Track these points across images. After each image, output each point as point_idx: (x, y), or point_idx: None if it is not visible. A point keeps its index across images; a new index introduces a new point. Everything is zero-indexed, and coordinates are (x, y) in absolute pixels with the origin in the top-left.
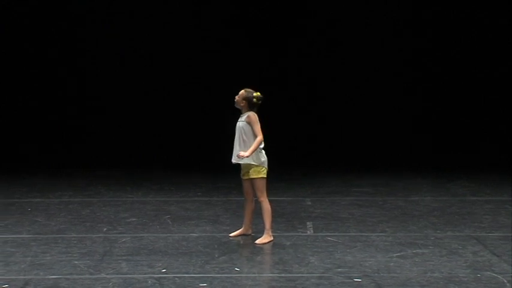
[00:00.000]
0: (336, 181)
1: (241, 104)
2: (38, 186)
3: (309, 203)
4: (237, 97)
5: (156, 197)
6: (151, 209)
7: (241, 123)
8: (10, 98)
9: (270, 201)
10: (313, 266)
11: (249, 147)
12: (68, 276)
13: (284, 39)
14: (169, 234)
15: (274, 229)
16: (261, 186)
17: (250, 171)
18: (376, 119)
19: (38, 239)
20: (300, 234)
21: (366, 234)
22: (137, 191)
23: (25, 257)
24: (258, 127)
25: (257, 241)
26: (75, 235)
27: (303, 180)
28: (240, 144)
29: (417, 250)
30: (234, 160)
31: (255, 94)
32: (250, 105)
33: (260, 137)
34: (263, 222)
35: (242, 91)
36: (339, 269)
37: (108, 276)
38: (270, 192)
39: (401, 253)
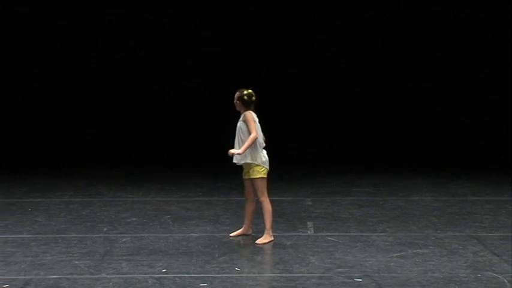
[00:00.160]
0: (337, 181)
1: (238, 105)
2: (38, 186)
3: (310, 203)
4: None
5: (156, 197)
6: (152, 209)
7: (239, 123)
8: (10, 98)
9: (270, 201)
10: (314, 266)
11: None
12: (69, 276)
13: (284, 39)
14: (169, 234)
15: (274, 229)
16: (261, 186)
17: (250, 171)
18: (376, 119)
19: (39, 239)
20: (301, 234)
21: (367, 234)
22: (138, 191)
23: (25, 257)
24: (252, 125)
25: (257, 241)
26: (75, 235)
27: (304, 180)
28: (238, 144)
29: (417, 250)
30: (234, 160)
31: (245, 92)
32: (245, 103)
33: (253, 134)
34: (263, 222)
35: (237, 92)
36: (340, 269)
37: (108, 276)
38: (270, 192)
39: (402, 253)
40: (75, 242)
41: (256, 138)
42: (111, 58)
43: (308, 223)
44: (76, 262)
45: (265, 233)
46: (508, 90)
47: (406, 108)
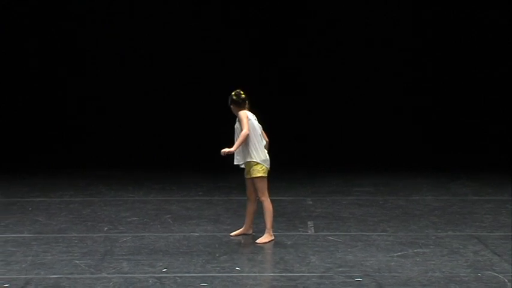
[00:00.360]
0: (337, 181)
1: (233, 109)
2: (38, 185)
3: (310, 202)
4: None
5: (157, 196)
6: (152, 208)
7: (236, 124)
8: (10, 98)
9: (271, 200)
10: (314, 266)
11: (243, 147)
12: (69, 276)
13: (284, 39)
14: (170, 234)
15: (275, 228)
16: (261, 186)
17: (251, 170)
18: (376, 118)
19: (39, 238)
20: (301, 233)
21: (367, 233)
22: (138, 190)
23: (26, 256)
24: (244, 122)
25: (258, 240)
26: (76, 234)
27: (304, 179)
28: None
29: (418, 249)
30: (235, 162)
31: (232, 93)
32: (237, 104)
33: (244, 130)
34: (264, 222)
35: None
36: (340, 269)
37: (109, 275)
38: (271, 191)
39: (402, 252)
40: (76, 241)
41: (248, 134)
42: (111, 58)
43: (308, 222)
44: (77, 261)
45: (265, 232)
46: (508, 90)
47: (406, 108)
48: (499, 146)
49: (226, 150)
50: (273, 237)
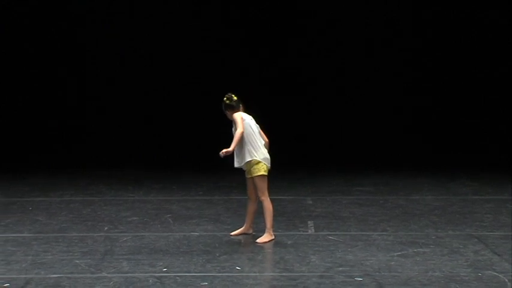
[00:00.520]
0: (337, 180)
1: (228, 114)
2: (39, 185)
3: (310, 202)
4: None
5: (157, 196)
6: (153, 208)
7: (232, 128)
8: (10, 98)
9: (271, 200)
10: (314, 265)
11: (242, 148)
12: (69, 275)
13: (284, 39)
14: (170, 233)
15: (275, 228)
16: (261, 185)
17: (252, 169)
18: (376, 118)
19: (39, 238)
20: (301, 233)
21: (367, 233)
22: (138, 190)
23: (26, 256)
24: (238, 122)
25: (258, 240)
26: (76, 234)
27: (304, 179)
28: (236, 148)
29: (418, 249)
30: (236, 165)
31: (224, 98)
32: (230, 107)
33: (239, 129)
34: (264, 221)
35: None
36: (340, 268)
37: (109, 275)
38: (271, 191)
39: (403, 252)
40: (76, 241)
41: (242, 132)
42: (111, 58)
43: (309, 222)
44: (77, 261)
45: (265, 232)
46: (508, 90)
47: (406, 108)
48: (499, 146)
49: (224, 151)
50: (273, 237)
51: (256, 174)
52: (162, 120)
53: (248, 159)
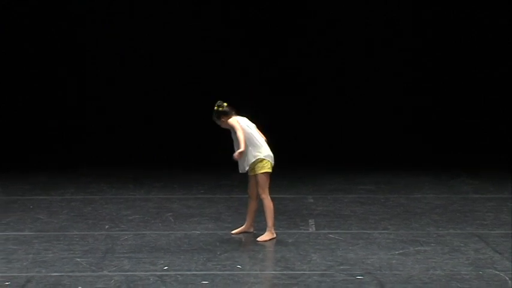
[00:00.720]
0: (338, 179)
1: (223, 123)
2: (40, 184)
3: (311, 200)
4: (219, 124)
5: (158, 194)
6: (154, 206)
7: (232, 135)
8: (10, 97)
9: (272, 198)
10: (315, 264)
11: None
12: (70, 274)
13: (284, 39)
14: (171, 232)
15: (276, 226)
16: (263, 182)
17: (255, 167)
18: (377, 118)
19: (40, 236)
20: (302, 231)
21: (368, 231)
22: (139, 188)
23: (27, 254)
24: (235, 126)
25: (259, 238)
26: (77, 232)
27: (305, 177)
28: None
29: (419, 247)
30: (241, 171)
31: (214, 108)
32: (225, 114)
33: (239, 132)
34: (265, 220)
35: (213, 119)
36: (341, 267)
37: (110, 273)
38: (272, 189)
39: (404, 250)
40: (77, 239)
41: (243, 131)
42: (111, 58)
43: (310, 220)
44: (78, 259)
45: (266, 230)
46: (508, 90)
47: (405, 108)
48: (499, 146)
49: (238, 152)
50: (274, 235)
51: (260, 172)
52: (162, 120)
53: (252, 160)
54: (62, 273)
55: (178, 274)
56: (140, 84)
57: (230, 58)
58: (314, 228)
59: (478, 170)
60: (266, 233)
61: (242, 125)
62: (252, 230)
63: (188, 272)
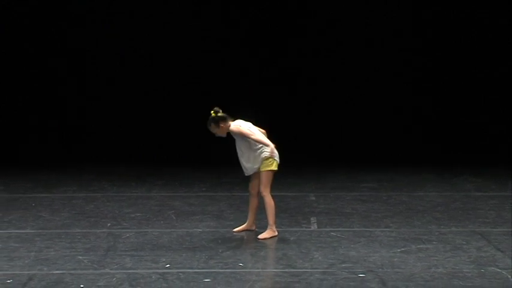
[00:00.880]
0: (340, 176)
1: (223, 129)
2: (42, 181)
3: (313, 198)
4: (215, 131)
5: (160, 192)
6: (156, 204)
7: (235, 139)
8: (11, 97)
9: (273, 196)
10: (317, 261)
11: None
12: (72, 271)
13: (284, 39)
14: (173, 230)
15: (278, 224)
16: (267, 180)
17: (262, 164)
18: (378, 117)
19: (42, 234)
20: (304, 229)
21: (370, 229)
22: (141, 186)
23: (29, 252)
24: (242, 131)
25: (260, 236)
26: (79, 230)
27: (307, 175)
28: (245, 158)
29: (421, 245)
30: (247, 173)
31: (211, 116)
32: (224, 120)
33: (252, 136)
34: (267, 218)
35: (210, 128)
36: (343, 264)
37: (112, 271)
38: (274, 187)
39: (406, 248)
40: (79, 237)
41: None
42: (111, 58)
43: (311, 218)
44: (80, 257)
45: (268, 228)
46: (508, 90)
47: (406, 108)
48: (499, 146)
49: (269, 153)
50: (275, 233)
51: (266, 169)
52: (162, 120)
53: (259, 160)
54: (64, 271)
55: (180, 272)
56: (140, 84)
57: (230, 58)
58: (316, 226)
59: (480, 167)
60: (267, 231)
61: (249, 129)
62: (254, 227)
63: (190, 270)
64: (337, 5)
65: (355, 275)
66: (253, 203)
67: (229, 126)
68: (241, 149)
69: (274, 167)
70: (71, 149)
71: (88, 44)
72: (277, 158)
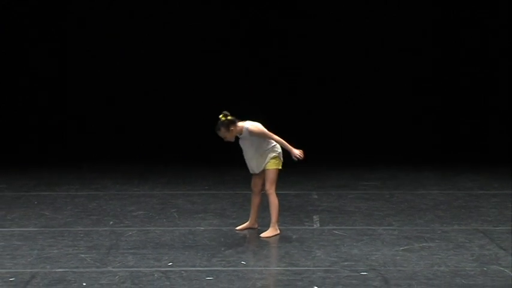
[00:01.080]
0: (343, 175)
1: (233, 132)
2: (44, 179)
3: (316, 196)
4: (225, 136)
5: (162, 190)
6: (158, 202)
7: (245, 141)
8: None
9: (276, 194)
10: (320, 260)
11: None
12: (75, 270)
13: (284, 39)
14: (175, 228)
15: (280, 222)
16: (273, 178)
17: (268, 162)
18: (379, 116)
19: (45, 232)
20: (307, 227)
21: (373, 227)
22: (144, 184)
23: (32, 250)
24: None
25: (262, 234)
26: (81, 228)
27: (310, 173)
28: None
29: (424, 244)
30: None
31: (221, 119)
32: (233, 123)
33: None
34: (270, 216)
35: (219, 132)
36: (346, 263)
37: (114, 269)
38: (277, 186)
39: (408, 247)
40: (82, 235)
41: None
42: (111, 58)
43: (314, 217)
44: (82, 255)
45: (271, 226)
46: (508, 90)
47: (407, 107)
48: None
49: (299, 152)
50: (278, 231)
51: (272, 167)
52: (162, 120)
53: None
54: (67, 269)
55: (183, 270)
56: (140, 84)
57: (230, 58)
58: (318, 224)
59: (483, 165)
60: (270, 229)
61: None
62: (256, 226)
63: (192, 268)
64: (337, 5)
65: (357, 273)
66: (256, 201)
67: (239, 128)
68: (250, 149)
69: (279, 166)
70: (73, 147)
71: (88, 44)
72: (281, 156)
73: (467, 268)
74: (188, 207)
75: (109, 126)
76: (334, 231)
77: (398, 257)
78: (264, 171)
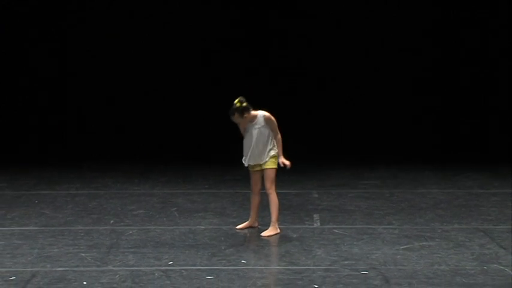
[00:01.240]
0: (343, 174)
1: (247, 118)
2: (45, 178)
3: (316, 195)
4: (238, 121)
5: (163, 189)
6: (158, 201)
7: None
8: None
9: (276, 193)
10: (320, 259)
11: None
12: (75, 269)
13: (284, 39)
14: (176, 227)
15: (280, 221)
16: (273, 177)
17: (268, 161)
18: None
19: (45, 231)
20: (307, 226)
21: (373, 226)
22: (144, 183)
23: (32, 249)
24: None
25: (263, 233)
26: (82, 227)
27: (310, 172)
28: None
29: (424, 242)
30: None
31: (237, 105)
32: (247, 111)
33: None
34: (270, 215)
35: (233, 117)
36: (346, 262)
37: (115, 268)
38: (276, 184)
39: (408, 245)
40: (82, 234)
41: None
42: (111, 58)
43: (314, 215)
44: (83, 254)
45: (271, 225)
46: (508, 90)
47: (408, 106)
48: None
49: (287, 162)
50: (278, 230)
51: (271, 166)
52: (162, 120)
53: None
54: (67, 268)
55: (183, 269)
56: (140, 84)
57: (230, 58)
58: (319, 223)
59: (483, 164)
60: (270, 228)
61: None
62: (256, 225)
63: (193, 267)
64: (337, 5)
65: (357, 272)
66: (255, 200)
67: (253, 116)
68: (259, 138)
69: (277, 165)
70: (73, 147)
71: (88, 44)
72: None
73: (467, 267)
74: (188, 206)
75: (109, 126)
76: (335, 230)
77: (398, 256)
78: (262, 171)
